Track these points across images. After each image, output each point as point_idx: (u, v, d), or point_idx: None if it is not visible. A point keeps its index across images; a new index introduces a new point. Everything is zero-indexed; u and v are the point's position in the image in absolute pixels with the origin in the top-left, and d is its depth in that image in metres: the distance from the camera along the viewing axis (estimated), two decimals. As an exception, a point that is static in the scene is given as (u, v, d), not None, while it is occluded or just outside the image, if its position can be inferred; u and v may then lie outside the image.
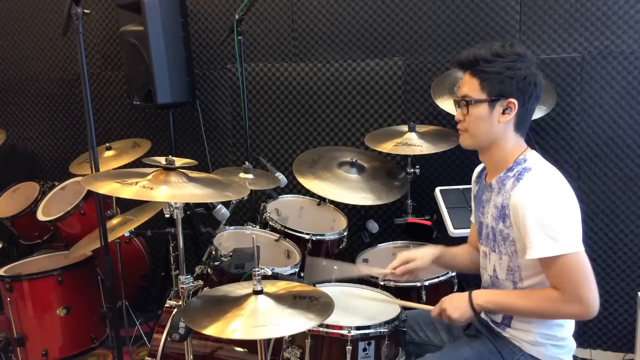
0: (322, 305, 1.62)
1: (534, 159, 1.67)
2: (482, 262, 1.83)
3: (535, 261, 1.58)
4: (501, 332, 1.73)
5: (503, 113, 1.64)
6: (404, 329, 1.88)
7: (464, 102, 1.67)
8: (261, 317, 1.54)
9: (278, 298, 1.63)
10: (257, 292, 1.61)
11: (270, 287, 1.69)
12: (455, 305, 1.69)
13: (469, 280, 2.33)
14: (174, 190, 1.74)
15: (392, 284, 2.30)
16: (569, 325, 1.70)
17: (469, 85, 1.66)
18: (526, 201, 1.56)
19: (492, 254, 1.75)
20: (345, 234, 2.66)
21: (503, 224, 1.65)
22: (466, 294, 1.69)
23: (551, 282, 1.57)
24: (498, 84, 1.62)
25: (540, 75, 1.66)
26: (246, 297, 1.62)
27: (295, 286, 1.76)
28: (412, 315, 1.97)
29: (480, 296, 1.68)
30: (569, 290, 1.53)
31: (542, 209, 1.54)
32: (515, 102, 1.62)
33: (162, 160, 1.85)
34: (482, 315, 1.81)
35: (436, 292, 2.28)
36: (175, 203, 1.83)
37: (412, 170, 2.72)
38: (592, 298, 1.52)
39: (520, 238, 1.60)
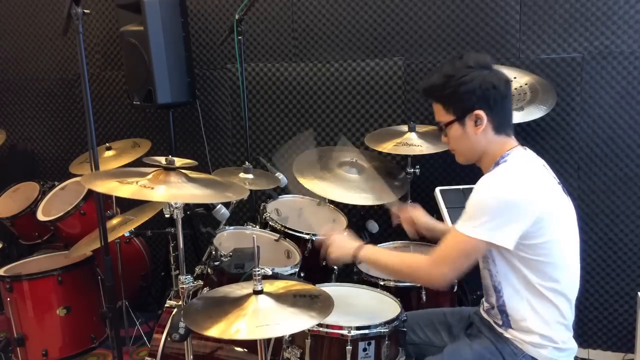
0: (323, 303, 1.62)
1: (517, 155, 1.70)
2: None
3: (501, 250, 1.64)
4: (503, 332, 1.73)
5: (476, 125, 1.69)
6: (404, 329, 1.88)
7: (440, 128, 1.78)
8: (263, 317, 1.55)
9: (278, 297, 1.63)
10: (257, 292, 1.62)
11: (270, 286, 1.69)
12: (340, 244, 1.84)
13: (469, 280, 2.33)
14: (174, 190, 1.74)
15: (392, 284, 2.30)
16: (569, 328, 1.71)
17: (437, 112, 1.77)
18: (479, 183, 1.64)
19: None
20: (346, 234, 2.66)
21: None
22: (357, 243, 1.83)
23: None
24: (458, 103, 1.70)
25: (498, 74, 1.69)
26: (246, 297, 1.62)
27: (294, 285, 1.76)
28: (412, 316, 1.97)
29: (368, 250, 1.82)
30: (434, 256, 1.67)
31: (483, 193, 1.62)
32: (481, 112, 1.67)
33: (162, 160, 1.85)
34: (484, 315, 1.81)
35: (436, 292, 2.28)
36: (175, 203, 1.83)
37: (412, 170, 2.72)
38: (443, 278, 1.67)
39: None
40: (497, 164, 1.70)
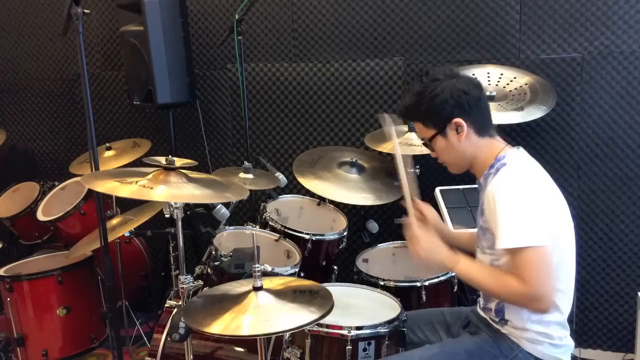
0: (323, 299, 1.62)
1: (513, 155, 1.71)
2: None
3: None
4: (500, 328, 1.74)
5: (457, 133, 1.71)
6: (404, 329, 1.89)
7: (426, 145, 1.81)
8: (264, 313, 1.55)
9: (278, 294, 1.64)
10: (257, 289, 1.62)
11: (269, 283, 1.69)
12: (433, 249, 1.71)
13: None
14: (174, 190, 1.74)
15: (392, 284, 2.30)
16: (566, 325, 1.71)
17: (419, 130, 1.80)
18: (497, 192, 1.62)
19: (477, 249, 1.81)
20: (345, 234, 2.66)
21: (482, 217, 1.72)
22: (451, 254, 1.70)
23: (515, 272, 1.58)
24: (435, 116, 1.72)
25: (465, 79, 1.72)
26: (246, 294, 1.62)
27: (293, 281, 1.76)
28: (411, 316, 1.97)
29: (463, 266, 1.68)
30: (530, 284, 1.55)
31: (510, 200, 1.59)
32: (459, 119, 1.69)
33: (162, 160, 1.85)
34: (481, 312, 1.82)
35: (436, 292, 2.28)
36: (175, 203, 1.83)
37: (412, 170, 2.71)
38: (550, 296, 1.57)
39: (492, 229, 1.64)
40: (492, 166, 1.70)
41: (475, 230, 1.87)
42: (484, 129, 1.73)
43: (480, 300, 1.85)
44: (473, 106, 1.70)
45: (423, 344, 1.94)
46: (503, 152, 1.71)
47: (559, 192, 1.72)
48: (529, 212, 1.57)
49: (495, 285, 1.63)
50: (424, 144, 1.82)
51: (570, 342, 1.72)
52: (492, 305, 1.76)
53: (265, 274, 1.83)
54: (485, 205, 1.68)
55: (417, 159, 2.76)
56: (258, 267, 1.63)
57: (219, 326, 1.50)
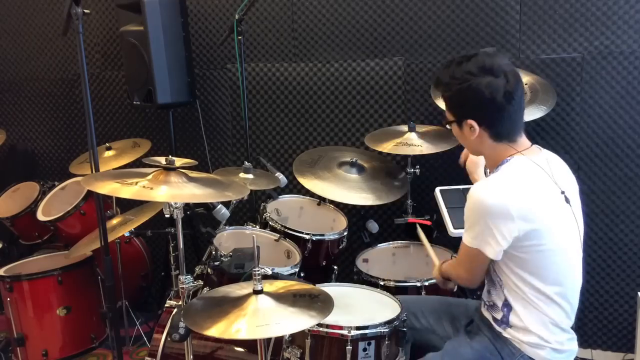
0: (323, 303, 1.62)
1: (515, 163, 1.67)
2: None
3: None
4: (501, 332, 1.73)
5: (470, 130, 1.69)
6: (404, 329, 1.89)
7: (444, 123, 1.82)
8: (264, 317, 1.55)
9: (278, 297, 1.64)
10: (257, 292, 1.62)
11: (269, 286, 1.69)
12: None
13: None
14: (174, 190, 1.74)
15: (392, 284, 2.30)
16: (569, 330, 1.71)
17: (444, 106, 1.79)
18: (473, 191, 1.66)
19: None
20: (345, 234, 2.66)
21: None
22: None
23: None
24: (455, 108, 1.73)
25: (499, 82, 1.61)
26: (246, 297, 1.62)
27: (294, 285, 1.76)
28: (416, 301, 2.01)
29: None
30: (458, 262, 1.85)
31: (475, 199, 1.64)
32: (473, 122, 1.67)
33: (162, 160, 1.85)
34: (484, 312, 1.82)
35: (436, 293, 2.28)
36: (175, 203, 1.83)
37: (412, 170, 2.72)
38: (466, 279, 1.84)
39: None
40: (497, 168, 1.71)
41: None
42: (502, 136, 1.68)
43: (484, 299, 1.83)
44: (493, 114, 1.65)
45: (425, 331, 1.96)
46: (510, 157, 1.68)
47: (559, 204, 1.66)
48: (474, 217, 1.66)
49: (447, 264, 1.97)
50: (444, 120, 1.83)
51: (573, 347, 1.72)
52: (499, 302, 1.74)
53: (265, 277, 1.83)
54: None
55: (417, 159, 2.77)
56: (258, 270, 1.63)
57: (218, 329, 1.50)
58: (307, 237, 2.51)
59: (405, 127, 2.75)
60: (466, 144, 1.82)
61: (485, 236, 1.62)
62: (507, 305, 1.71)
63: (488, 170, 1.86)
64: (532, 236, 1.60)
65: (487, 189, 1.64)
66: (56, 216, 3.01)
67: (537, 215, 1.61)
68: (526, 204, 1.60)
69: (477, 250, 1.66)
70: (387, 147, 2.64)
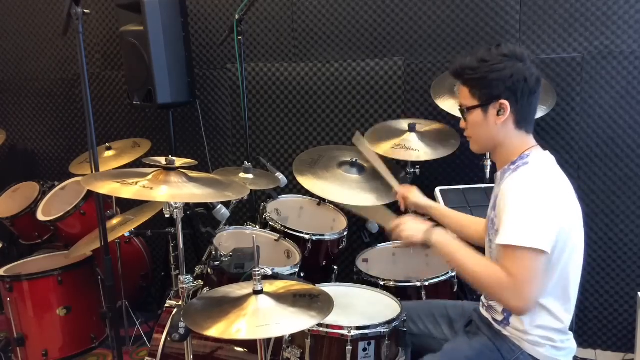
0: (323, 303, 1.62)
1: (537, 156, 1.68)
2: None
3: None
4: (501, 330, 1.73)
5: (498, 115, 1.66)
6: (404, 329, 1.89)
7: (461, 111, 1.75)
8: (264, 317, 1.55)
9: (278, 297, 1.64)
10: (257, 292, 1.62)
11: (269, 286, 1.69)
12: (413, 227, 1.79)
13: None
14: (174, 190, 1.74)
15: (392, 284, 2.30)
16: (567, 331, 1.70)
17: (462, 94, 1.73)
18: (512, 190, 1.60)
19: (485, 243, 1.81)
20: (345, 234, 2.66)
21: (494, 211, 1.70)
22: (430, 224, 1.77)
23: (504, 266, 1.54)
24: (485, 89, 1.66)
25: (531, 69, 1.66)
26: (246, 297, 1.62)
27: (294, 285, 1.76)
28: (413, 306, 1.99)
29: (441, 235, 1.72)
30: (517, 279, 1.51)
31: (522, 200, 1.57)
32: (506, 102, 1.65)
33: (162, 160, 1.85)
34: (484, 312, 1.81)
35: (436, 292, 2.28)
36: (175, 203, 1.83)
37: (412, 170, 2.71)
38: (533, 299, 1.54)
39: (498, 225, 1.63)
40: (514, 163, 1.68)
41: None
42: (524, 123, 1.68)
43: (483, 299, 1.84)
44: (525, 96, 1.65)
45: (423, 336, 1.95)
46: (529, 151, 1.68)
47: (577, 206, 1.67)
48: (537, 215, 1.54)
49: (475, 264, 1.61)
50: (460, 109, 1.76)
51: (573, 345, 1.71)
52: (499, 307, 1.73)
53: (265, 277, 1.83)
54: (498, 199, 1.66)
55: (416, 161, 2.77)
56: (258, 270, 1.63)
57: (218, 329, 1.50)
58: (307, 237, 2.51)
59: (405, 125, 2.74)
60: (482, 133, 1.72)
61: (547, 233, 1.52)
62: (508, 310, 1.70)
63: (493, 162, 1.81)
64: (566, 237, 1.59)
65: (539, 182, 1.59)
66: (56, 216, 3.01)
67: (571, 215, 1.62)
68: (567, 204, 1.62)
69: (542, 253, 1.51)
70: (385, 148, 2.63)
